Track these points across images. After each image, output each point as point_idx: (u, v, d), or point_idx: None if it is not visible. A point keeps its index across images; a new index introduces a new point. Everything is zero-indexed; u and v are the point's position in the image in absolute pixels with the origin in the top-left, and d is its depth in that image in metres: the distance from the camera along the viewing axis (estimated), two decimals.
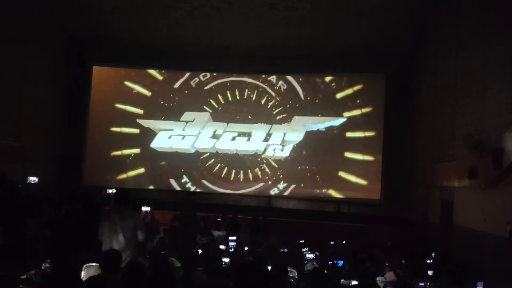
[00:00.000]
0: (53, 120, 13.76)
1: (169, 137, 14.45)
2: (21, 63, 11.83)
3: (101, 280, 3.51)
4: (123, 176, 14.36)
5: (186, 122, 14.44)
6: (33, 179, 8.34)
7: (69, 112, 14.42)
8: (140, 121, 14.45)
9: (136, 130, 14.47)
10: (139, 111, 14.53)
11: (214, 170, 14.30)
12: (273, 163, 14.24)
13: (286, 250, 7.86)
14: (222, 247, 7.54)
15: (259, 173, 14.27)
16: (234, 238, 7.91)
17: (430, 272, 6.60)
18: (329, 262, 7.07)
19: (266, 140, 14.26)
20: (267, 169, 14.25)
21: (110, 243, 4.84)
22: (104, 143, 14.54)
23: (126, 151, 14.48)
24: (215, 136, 14.36)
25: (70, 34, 14.15)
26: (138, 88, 14.65)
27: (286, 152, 14.21)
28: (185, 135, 14.43)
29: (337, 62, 13.86)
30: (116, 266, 4.07)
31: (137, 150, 14.48)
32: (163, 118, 14.47)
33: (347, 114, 13.99)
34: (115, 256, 4.26)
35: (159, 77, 14.77)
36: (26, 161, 11.67)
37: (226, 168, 14.35)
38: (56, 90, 13.90)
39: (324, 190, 13.95)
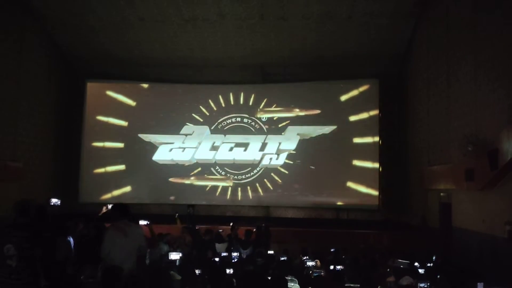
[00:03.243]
0: (48, 138, 13.73)
1: (170, 150, 14.53)
2: (17, 80, 11.87)
3: None
4: (119, 191, 14.33)
5: (186, 135, 14.53)
6: (55, 201, 8.25)
7: (63, 129, 14.41)
8: (141, 135, 14.50)
9: (131, 144, 14.52)
10: (134, 125, 14.58)
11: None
12: (270, 172, 14.27)
13: (286, 259, 7.85)
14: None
15: (257, 183, 14.32)
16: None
17: (430, 275, 6.61)
18: (331, 267, 7.08)
19: (261, 149, 14.32)
20: (264, 179, 14.29)
21: (114, 256, 4.80)
22: (98, 159, 14.53)
23: (121, 166, 14.49)
24: (214, 148, 14.45)
25: (64, 51, 14.19)
26: (131, 102, 14.72)
27: (281, 161, 14.26)
28: (185, 147, 14.50)
29: (329, 69, 13.98)
30: (117, 281, 4.06)
31: (133, 165, 14.49)
32: (162, 132, 14.56)
33: (341, 121, 14.05)
34: (116, 271, 4.26)
35: (154, 90, 14.86)
36: (23, 180, 11.65)
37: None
38: (50, 107, 13.89)
39: (322, 198, 13.96)
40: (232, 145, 14.48)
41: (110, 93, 14.83)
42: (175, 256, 6.89)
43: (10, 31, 11.59)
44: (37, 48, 13.00)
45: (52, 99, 13.96)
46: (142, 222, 6.39)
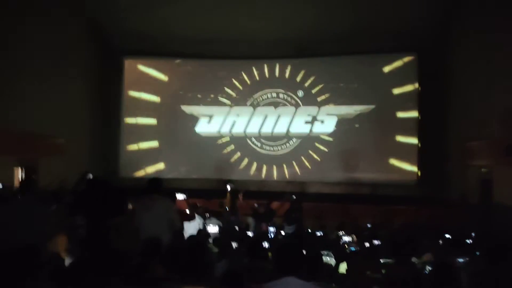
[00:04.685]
0: (89, 115, 14.13)
1: (207, 124, 14.71)
2: (56, 59, 12.20)
3: None
4: (156, 166, 14.64)
5: (221, 109, 14.63)
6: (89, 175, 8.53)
7: (103, 106, 14.76)
8: (183, 107, 14.67)
9: (165, 120, 14.78)
10: (169, 100, 14.79)
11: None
12: (307, 148, 14.25)
13: (321, 234, 7.89)
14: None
15: (293, 158, 14.35)
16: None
17: (469, 252, 6.49)
18: (367, 243, 7.07)
19: (298, 124, 14.28)
20: (300, 154, 14.29)
21: (148, 230, 4.98)
22: (138, 135, 14.84)
23: (156, 142, 14.77)
24: (249, 122, 14.57)
25: (101, 28, 14.42)
26: (165, 77, 14.89)
27: (318, 137, 14.20)
28: (221, 121, 14.68)
29: (368, 42, 13.62)
30: (156, 255, 4.20)
31: (169, 140, 14.74)
32: (201, 105, 14.72)
33: (379, 95, 13.81)
34: (156, 243, 4.40)
35: (188, 65, 14.97)
36: (68, 157, 12.06)
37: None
38: (89, 84, 14.24)
39: (358, 173, 13.84)
40: (268, 119, 14.52)
41: (144, 68, 15.03)
42: (212, 229, 7.04)
43: (48, 10, 11.84)
44: (75, 27, 13.28)
45: (90, 76, 14.28)
46: (178, 197, 6.55)
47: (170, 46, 14.49)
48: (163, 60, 15.01)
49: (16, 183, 9.61)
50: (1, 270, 3.27)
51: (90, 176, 5.69)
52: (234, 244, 5.88)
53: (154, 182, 5.51)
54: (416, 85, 13.55)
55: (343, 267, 5.70)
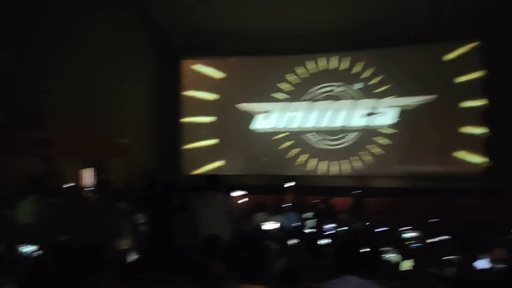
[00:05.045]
0: (149, 116, 14.62)
1: (263, 120, 14.77)
2: (118, 59, 12.73)
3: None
4: (215, 163, 14.89)
5: (278, 105, 14.65)
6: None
7: (163, 107, 15.22)
8: (240, 104, 14.84)
9: (223, 117, 14.98)
10: (226, 97, 15.00)
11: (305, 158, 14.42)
12: (366, 141, 13.97)
13: (383, 230, 7.69)
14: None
15: (352, 152, 14.11)
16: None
17: None
18: (430, 240, 6.82)
19: (356, 117, 14.03)
20: (359, 148, 14.03)
21: (207, 226, 5.09)
22: (196, 133, 15.16)
23: (215, 139, 15.00)
24: (306, 116, 14.47)
25: (160, 27, 14.82)
26: (221, 75, 15.13)
27: (377, 130, 13.88)
28: (278, 117, 14.70)
29: (428, 31, 13.06)
30: (215, 250, 4.28)
31: (227, 137, 14.95)
32: (258, 101, 14.84)
33: (443, 85, 13.26)
34: (215, 240, 4.48)
35: (244, 63, 15.11)
36: (131, 157, 12.57)
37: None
38: (149, 84, 14.72)
39: (421, 166, 13.37)
40: (325, 113, 14.36)
41: (200, 67, 15.32)
42: (270, 225, 7.06)
43: (108, 10, 12.39)
44: (134, 30, 13.81)
45: (149, 78, 14.77)
46: (237, 193, 6.63)
47: (226, 44, 14.64)
48: (219, 58, 15.22)
49: (86, 183, 10.12)
50: (77, 266, 3.47)
51: (152, 175, 5.93)
52: (293, 241, 5.87)
53: (212, 178, 5.63)
54: (481, 72, 12.85)
55: (406, 264, 5.54)
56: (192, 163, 15.05)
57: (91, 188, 8.31)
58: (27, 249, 3.36)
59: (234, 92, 14.96)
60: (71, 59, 11.03)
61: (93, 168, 10.95)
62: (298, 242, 5.87)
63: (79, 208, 5.37)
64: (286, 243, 5.69)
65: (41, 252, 3.83)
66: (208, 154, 15.00)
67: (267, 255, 4.29)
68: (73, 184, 8.43)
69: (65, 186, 7.91)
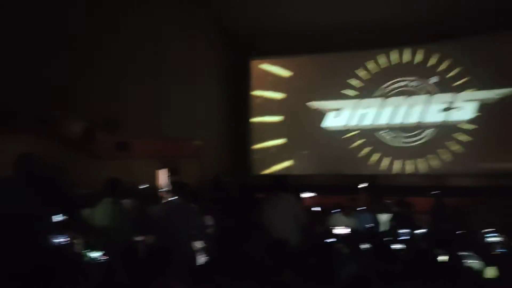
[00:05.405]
0: (219, 117, 14.87)
1: (334, 118, 14.50)
2: (189, 63, 13.06)
3: None
4: (287, 163, 14.81)
5: (354, 99, 14.30)
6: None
7: (233, 107, 15.41)
8: (310, 103, 14.67)
9: (292, 116, 14.86)
10: (294, 96, 14.88)
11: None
12: (442, 137, 13.26)
13: (464, 233, 7.22)
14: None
15: (427, 149, 13.45)
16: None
17: None
18: None
19: (435, 112, 13.35)
20: (435, 145, 13.34)
21: (274, 229, 5.03)
22: (265, 133, 15.18)
23: (287, 139, 14.92)
24: (379, 113, 14.03)
25: (229, 28, 15.02)
26: (292, 75, 15.06)
27: (454, 125, 13.13)
28: (354, 112, 14.33)
29: (507, 18, 12.10)
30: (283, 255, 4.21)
31: (296, 136, 14.82)
32: (328, 99, 14.59)
33: None
34: (282, 243, 4.41)
35: (312, 61, 14.89)
36: (202, 158, 12.86)
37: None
38: (219, 87, 14.97)
39: (505, 163, 12.42)
40: (398, 110, 13.83)
41: (268, 67, 15.34)
42: (341, 228, 6.89)
43: (179, 13, 12.77)
44: (205, 29, 14.17)
45: (220, 78, 15.03)
46: (306, 195, 6.52)
47: (294, 43, 14.54)
48: (287, 57, 15.15)
49: (161, 184, 10.49)
50: (149, 268, 3.57)
51: (221, 177, 5.99)
52: (366, 245, 5.66)
53: (279, 180, 5.56)
54: None
55: (490, 272, 5.14)
56: (261, 163, 15.10)
57: (166, 189, 8.58)
58: (95, 254, 3.49)
59: (302, 91, 14.81)
60: (146, 65, 11.51)
61: (167, 169, 11.34)
62: (370, 246, 5.66)
63: (155, 209, 5.54)
64: (358, 247, 5.50)
65: (109, 256, 3.98)
66: (277, 154, 14.98)
67: (336, 261, 4.17)
68: (148, 185, 8.74)
69: (140, 187, 8.22)
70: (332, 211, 8.32)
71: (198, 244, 5.07)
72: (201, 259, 4.84)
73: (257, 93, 15.42)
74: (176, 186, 5.81)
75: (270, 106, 15.19)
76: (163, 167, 11.35)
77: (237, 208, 5.69)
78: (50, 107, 8.92)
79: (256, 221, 5.40)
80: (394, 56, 13.95)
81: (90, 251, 3.43)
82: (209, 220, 5.45)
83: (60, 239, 4.10)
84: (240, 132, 15.37)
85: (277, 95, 15.15)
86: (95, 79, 10.17)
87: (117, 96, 10.62)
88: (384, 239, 6.36)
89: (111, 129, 10.32)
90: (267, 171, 14.92)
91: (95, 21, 10.33)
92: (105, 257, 3.44)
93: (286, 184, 5.49)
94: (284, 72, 15.16)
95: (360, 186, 10.61)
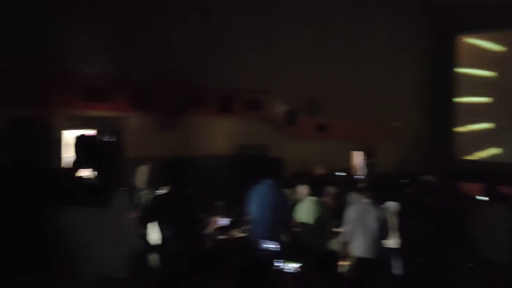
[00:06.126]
0: (421, 96, 14.21)
1: None
2: (389, 43, 12.83)
3: None
4: (494, 149, 13.47)
5: None
6: None
7: (435, 86, 14.53)
8: None
9: (508, 98, 13.22)
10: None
11: None
12: None
13: None
14: None
15: None
16: None
17: None
18: None
19: None
20: None
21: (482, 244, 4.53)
22: (471, 115, 13.98)
23: (495, 123, 13.49)
24: None
25: (432, 5, 14.13)
26: (505, 51, 13.48)
27: None
28: None
29: None
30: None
31: (509, 121, 13.22)
32: None
33: None
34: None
35: None
36: (401, 140, 12.58)
37: None
38: (421, 65, 14.28)
39: None
40: None
41: (477, 43, 14.07)
42: None
43: None
44: (408, 6, 13.61)
45: (422, 55, 14.30)
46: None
47: (505, 16, 12.85)
48: (498, 32, 13.50)
49: (357, 172, 10.69)
50: None
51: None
52: None
53: (493, 188, 4.96)
54: None
55: None
56: (465, 148, 14.00)
57: (361, 176, 8.70)
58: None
59: None
60: (346, 47, 11.63)
61: (363, 153, 11.45)
62: None
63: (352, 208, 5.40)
64: None
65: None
66: (483, 139, 13.66)
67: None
68: (345, 173, 8.91)
69: (337, 173, 8.44)
70: None
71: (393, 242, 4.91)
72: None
73: (463, 70, 14.20)
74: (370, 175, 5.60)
75: (477, 86, 13.85)
76: (360, 149, 11.50)
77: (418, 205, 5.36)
78: (260, 92, 9.81)
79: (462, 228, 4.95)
80: None
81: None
82: (411, 221, 5.21)
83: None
84: (442, 113, 14.45)
85: (486, 73, 13.69)
86: (298, 64, 10.70)
87: (318, 80, 11.02)
88: None
89: (312, 111, 10.84)
90: (471, 157, 13.77)
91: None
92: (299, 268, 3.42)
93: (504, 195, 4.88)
94: (495, 47, 13.57)
95: None
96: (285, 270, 3.26)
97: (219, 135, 9.36)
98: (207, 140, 9.08)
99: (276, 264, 3.28)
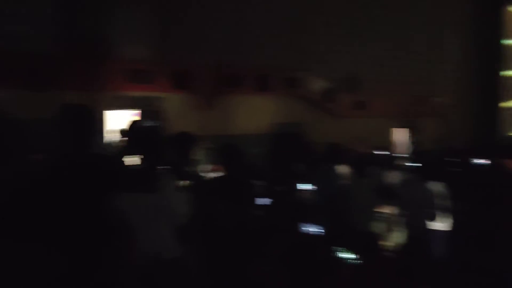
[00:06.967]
0: (465, 71, 13.67)
1: None
2: (431, 15, 12.37)
3: None
4: None
5: None
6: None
7: (480, 59, 13.92)
8: None
9: None
10: None
11: None
12: None
13: None
14: None
15: None
16: None
17: None
18: None
19: None
20: None
21: None
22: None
23: None
24: None
25: None
26: None
27: None
28: None
29: None
30: None
31: None
32: None
33: None
34: None
35: None
36: (444, 115, 12.22)
37: None
38: (466, 37, 13.68)
39: None
40: None
41: None
42: None
43: None
44: None
45: (466, 27, 13.68)
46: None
47: None
48: None
49: (399, 150, 10.47)
50: None
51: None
52: None
53: None
54: None
55: None
56: (510, 123, 13.45)
57: (404, 155, 8.52)
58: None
59: None
60: (385, 21, 11.30)
61: (406, 130, 11.19)
62: None
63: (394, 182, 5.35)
64: None
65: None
66: None
67: None
68: (387, 152, 8.74)
69: (378, 152, 8.27)
70: None
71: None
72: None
73: (509, 42, 13.54)
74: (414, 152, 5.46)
75: None
76: (402, 126, 11.24)
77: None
78: (296, 70, 9.75)
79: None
80: None
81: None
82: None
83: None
84: (487, 87, 13.87)
85: None
86: (336, 41, 10.51)
87: (357, 56, 10.79)
88: None
89: (350, 88, 10.65)
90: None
91: None
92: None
93: None
94: None
95: None
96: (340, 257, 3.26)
97: (257, 113, 9.41)
98: (245, 119, 9.16)
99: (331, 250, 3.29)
